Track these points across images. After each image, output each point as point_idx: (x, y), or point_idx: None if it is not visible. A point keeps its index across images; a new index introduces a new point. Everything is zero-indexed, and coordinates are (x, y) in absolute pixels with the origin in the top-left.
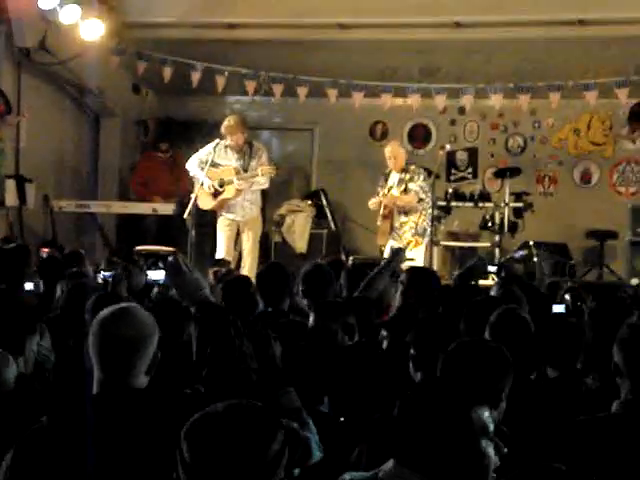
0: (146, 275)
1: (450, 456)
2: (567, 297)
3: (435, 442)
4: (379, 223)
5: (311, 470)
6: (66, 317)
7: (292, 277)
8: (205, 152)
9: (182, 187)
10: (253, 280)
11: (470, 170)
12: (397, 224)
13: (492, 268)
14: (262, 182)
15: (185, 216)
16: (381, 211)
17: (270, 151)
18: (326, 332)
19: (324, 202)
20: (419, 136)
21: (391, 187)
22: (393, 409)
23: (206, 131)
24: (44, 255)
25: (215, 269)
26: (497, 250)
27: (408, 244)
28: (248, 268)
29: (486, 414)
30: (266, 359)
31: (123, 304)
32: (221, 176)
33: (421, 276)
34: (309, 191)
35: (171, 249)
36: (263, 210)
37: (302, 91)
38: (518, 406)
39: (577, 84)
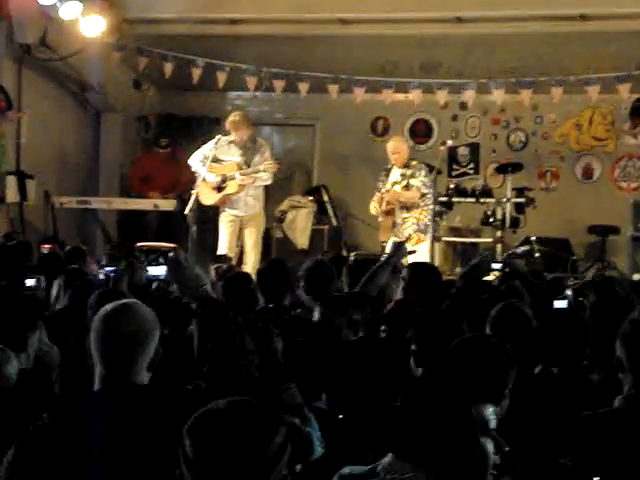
0: (147, 271)
1: (447, 450)
2: (569, 292)
3: (433, 436)
4: (381, 219)
5: (311, 466)
6: (69, 314)
7: (293, 273)
8: (208, 148)
9: (182, 183)
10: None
11: (472, 166)
12: (399, 220)
13: (496, 265)
14: (265, 178)
15: (186, 212)
16: (383, 207)
17: (271, 147)
18: (331, 327)
19: (325, 198)
20: (420, 131)
21: (395, 183)
22: (392, 405)
23: (207, 127)
24: (45, 251)
25: (216, 265)
26: (499, 246)
27: (409, 239)
28: (251, 264)
29: (488, 411)
30: (268, 355)
31: (124, 300)
32: (223, 171)
33: (423, 272)
34: (310, 187)
35: (172, 245)
36: (265, 206)
37: (303, 87)
38: (521, 401)
39: (579, 79)
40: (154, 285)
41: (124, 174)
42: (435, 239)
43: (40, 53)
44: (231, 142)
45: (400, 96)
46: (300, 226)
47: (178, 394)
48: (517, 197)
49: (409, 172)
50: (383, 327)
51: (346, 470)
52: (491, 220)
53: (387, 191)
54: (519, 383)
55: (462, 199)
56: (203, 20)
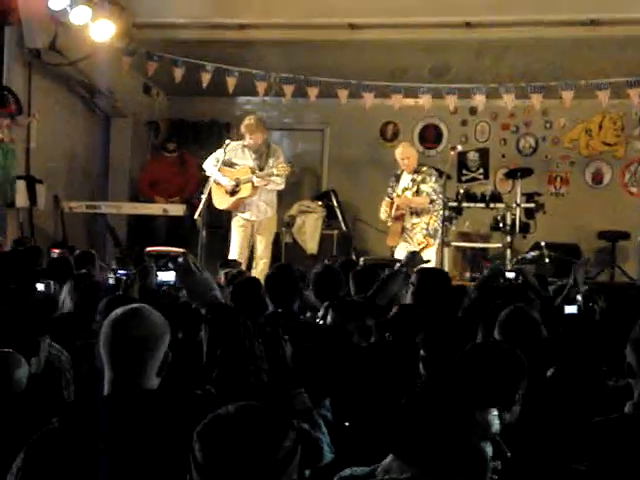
0: (156, 276)
1: (444, 452)
2: (579, 298)
3: (430, 437)
4: (390, 224)
5: (320, 472)
6: (74, 317)
7: (302, 277)
8: (220, 152)
9: (191, 188)
10: None
11: (481, 171)
12: (408, 225)
13: (510, 274)
14: (279, 182)
15: (195, 217)
16: (393, 212)
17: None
18: (342, 332)
19: (335, 203)
20: (430, 137)
21: (405, 189)
22: (397, 410)
23: (217, 132)
24: (55, 256)
25: (226, 270)
26: (508, 251)
27: (419, 244)
28: (261, 269)
29: (492, 415)
30: (277, 360)
31: (134, 304)
32: (237, 175)
33: (432, 277)
34: (320, 192)
35: (181, 250)
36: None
37: (313, 92)
38: (532, 404)
39: (589, 84)
40: (162, 290)
41: (133, 179)
42: (444, 244)
43: (50, 58)
44: (245, 146)
45: (410, 101)
46: (309, 231)
47: (187, 399)
48: (527, 202)
49: (419, 177)
50: (387, 334)
51: (347, 471)
52: (501, 225)
53: (398, 196)
54: (530, 386)
55: (472, 204)
56: (213, 25)
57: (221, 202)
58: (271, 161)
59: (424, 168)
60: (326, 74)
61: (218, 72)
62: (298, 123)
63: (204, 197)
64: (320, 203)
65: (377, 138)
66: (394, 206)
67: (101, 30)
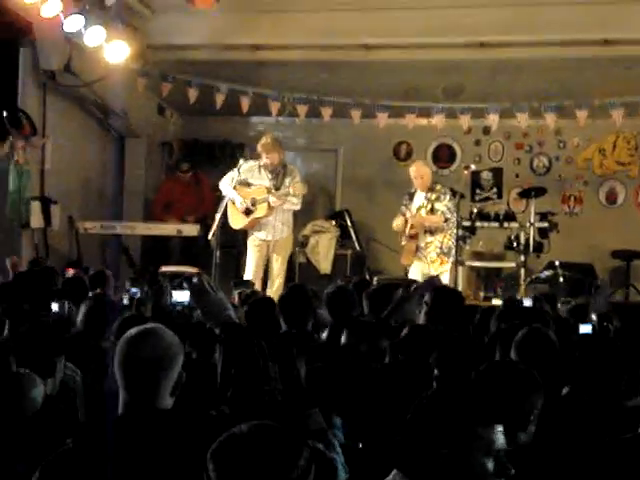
0: (171, 296)
1: (447, 467)
2: (594, 317)
3: (433, 452)
4: (404, 243)
5: None
6: (85, 336)
7: (315, 296)
8: (235, 172)
9: (206, 207)
10: None
11: (495, 190)
12: (422, 244)
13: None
14: (295, 202)
15: (209, 237)
16: (407, 231)
17: None
18: (356, 353)
19: (348, 222)
20: (444, 156)
21: (420, 207)
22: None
23: (231, 152)
24: (69, 276)
25: (239, 290)
26: (522, 270)
27: (432, 263)
28: (276, 289)
29: (496, 431)
30: (291, 380)
31: (149, 324)
32: (253, 195)
33: (445, 297)
34: (333, 211)
35: (195, 270)
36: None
37: (326, 112)
38: (547, 423)
39: (603, 103)
40: (177, 310)
41: (148, 199)
42: (458, 263)
43: (64, 79)
44: (261, 166)
45: (423, 121)
46: (323, 251)
47: (202, 420)
48: (540, 222)
49: (434, 196)
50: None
51: None
52: (514, 245)
53: (412, 216)
54: (545, 405)
55: (485, 223)
56: (226, 46)
57: (237, 222)
58: (287, 181)
59: (438, 186)
60: (340, 94)
61: (232, 93)
62: (312, 143)
63: (218, 217)
64: (334, 223)
65: (390, 158)
66: (408, 225)
67: (115, 52)
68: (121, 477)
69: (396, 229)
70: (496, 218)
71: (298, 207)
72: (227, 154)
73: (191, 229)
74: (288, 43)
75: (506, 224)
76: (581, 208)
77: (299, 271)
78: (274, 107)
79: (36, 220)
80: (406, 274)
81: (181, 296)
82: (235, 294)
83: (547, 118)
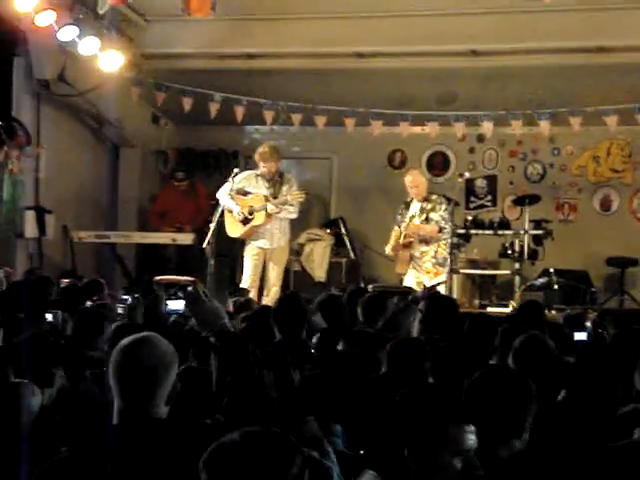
0: (166, 305)
1: (415, 465)
2: (589, 324)
3: (402, 451)
4: (388, 252)
5: None
6: (74, 345)
7: (309, 305)
8: (231, 182)
9: (201, 216)
10: None
11: (489, 198)
12: (417, 253)
13: None
14: (292, 211)
15: (204, 246)
16: (402, 240)
17: None
18: (353, 362)
19: (343, 230)
20: (438, 164)
21: (413, 216)
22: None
23: (225, 161)
24: (64, 286)
25: (234, 298)
26: (517, 278)
27: (428, 273)
28: (272, 297)
29: (466, 431)
30: (285, 388)
31: (143, 333)
32: (250, 203)
33: (440, 305)
34: (328, 220)
35: (190, 279)
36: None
37: (320, 120)
38: (542, 428)
39: (596, 110)
40: (171, 319)
41: (142, 208)
42: (453, 271)
43: (59, 88)
44: (258, 175)
45: (417, 129)
46: (318, 259)
47: (197, 428)
48: (535, 229)
49: (429, 206)
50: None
51: None
52: (509, 252)
53: (406, 225)
54: (540, 411)
55: (480, 231)
56: (220, 55)
57: (234, 230)
58: (284, 189)
59: (434, 196)
60: (334, 102)
61: (226, 101)
62: (306, 151)
63: (212, 226)
64: (328, 231)
65: (385, 166)
66: (402, 234)
67: (109, 61)
68: None
69: (388, 252)
70: (490, 226)
71: (295, 215)
72: (222, 163)
73: (186, 238)
74: (282, 52)
75: (500, 232)
76: (575, 215)
77: (294, 279)
78: (268, 116)
79: (30, 230)
80: (401, 282)
81: (176, 305)
82: (230, 303)
83: (541, 125)
